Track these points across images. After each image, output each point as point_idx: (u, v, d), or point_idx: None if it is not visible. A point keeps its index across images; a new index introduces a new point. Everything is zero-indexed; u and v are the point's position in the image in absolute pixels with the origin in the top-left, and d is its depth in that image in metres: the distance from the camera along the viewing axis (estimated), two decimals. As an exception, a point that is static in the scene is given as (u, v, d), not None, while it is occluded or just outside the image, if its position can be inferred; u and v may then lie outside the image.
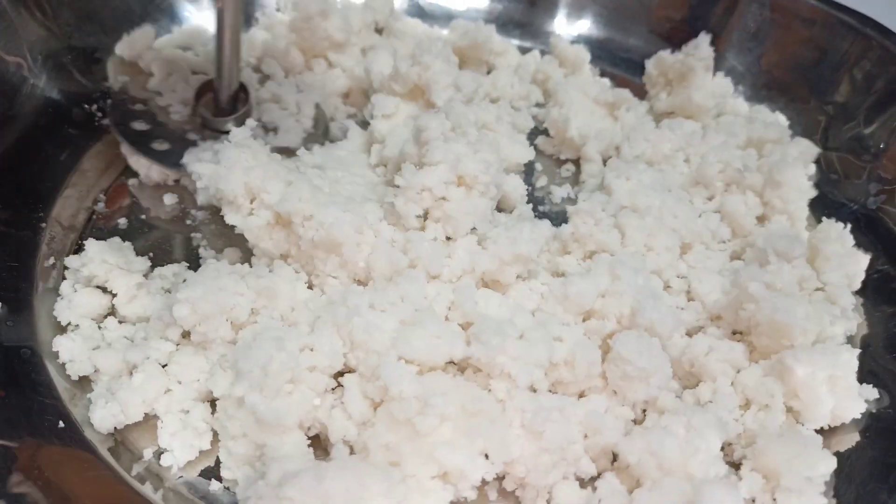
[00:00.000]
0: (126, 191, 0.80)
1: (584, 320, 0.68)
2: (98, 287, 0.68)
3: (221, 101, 0.80)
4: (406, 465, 0.55)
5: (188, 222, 0.78)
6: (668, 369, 0.63)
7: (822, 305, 0.70)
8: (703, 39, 0.91)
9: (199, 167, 0.70)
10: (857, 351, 0.65)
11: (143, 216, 0.78)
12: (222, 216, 0.70)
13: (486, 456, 0.57)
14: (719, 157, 0.82)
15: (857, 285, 0.75)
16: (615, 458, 0.61)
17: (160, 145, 0.79)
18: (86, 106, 0.83)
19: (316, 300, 0.67)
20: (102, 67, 0.86)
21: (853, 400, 0.64)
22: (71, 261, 0.69)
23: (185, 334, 0.64)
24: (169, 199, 0.80)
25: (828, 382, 0.63)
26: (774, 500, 0.58)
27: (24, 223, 0.72)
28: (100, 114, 0.83)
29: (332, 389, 0.61)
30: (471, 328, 0.63)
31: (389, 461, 0.56)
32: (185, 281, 0.64)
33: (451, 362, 0.63)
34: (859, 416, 0.64)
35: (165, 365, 0.62)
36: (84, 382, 0.63)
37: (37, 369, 0.62)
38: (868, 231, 0.80)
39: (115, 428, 0.60)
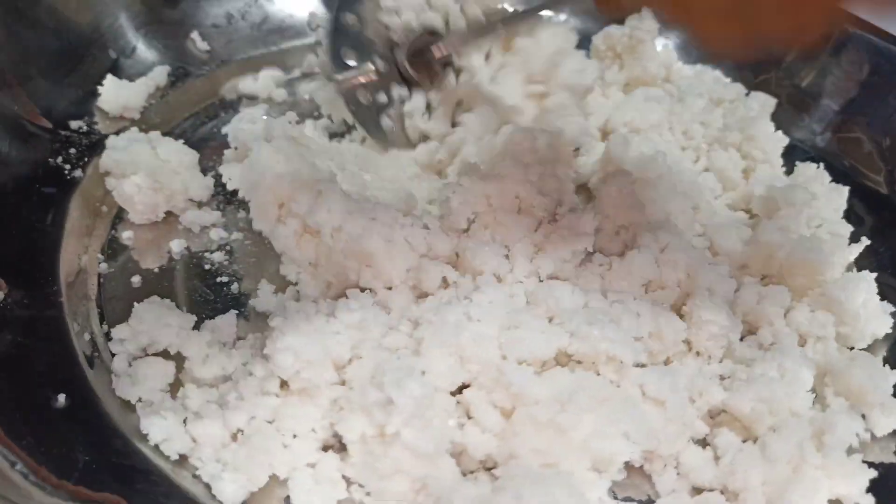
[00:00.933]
0: (124, 246, 0.73)
1: (646, 292, 0.71)
2: (155, 354, 0.62)
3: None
4: (562, 464, 0.56)
5: (207, 267, 0.72)
6: (739, 322, 0.68)
7: (834, 239, 0.78)
8: (646, 13, 0.96)
9: (228, 169, 0.72)
10: (875, 273, 0.73)
11: (157, 269, 0.71)
12: (239, 254, 0.72)
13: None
14: (702, 120, 0.88)
15: (841, 215, 0.84)
16: (713, 414, 0.65)
17: None
18: (51, 160, 0.74)
19: (394, 322, 0.65)
20: (59, 111, 0.77)
21: (881, 318, 0.72)
22: (119, 331, 0.62)
23: (282, 384, 0.60)
24: (177, 246, 0.73)
25: (863, 306, 0.71)
26: (863, 417, 0.65)
27: (45, 302, 0.63)
28: (67, 166, 0.75)
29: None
30: (562, 324, 0.64)
31: (543, 464, 0.56)
32: (274, 330, 0.61)
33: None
34: (890, 331, 0.73)
35: (271, 421, 0.58)
36: (182, 459, 0.57)
37: (137, 459, 0.55)
38: (827, 169, 0.89)
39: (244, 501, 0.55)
